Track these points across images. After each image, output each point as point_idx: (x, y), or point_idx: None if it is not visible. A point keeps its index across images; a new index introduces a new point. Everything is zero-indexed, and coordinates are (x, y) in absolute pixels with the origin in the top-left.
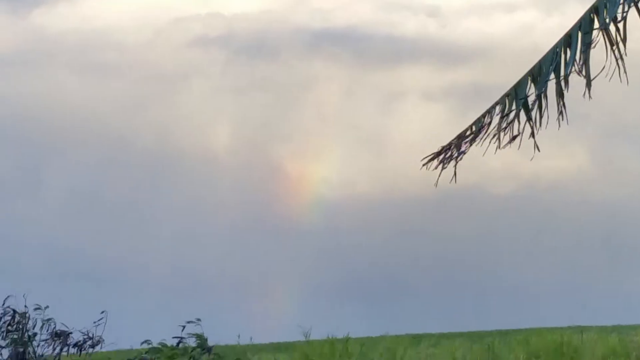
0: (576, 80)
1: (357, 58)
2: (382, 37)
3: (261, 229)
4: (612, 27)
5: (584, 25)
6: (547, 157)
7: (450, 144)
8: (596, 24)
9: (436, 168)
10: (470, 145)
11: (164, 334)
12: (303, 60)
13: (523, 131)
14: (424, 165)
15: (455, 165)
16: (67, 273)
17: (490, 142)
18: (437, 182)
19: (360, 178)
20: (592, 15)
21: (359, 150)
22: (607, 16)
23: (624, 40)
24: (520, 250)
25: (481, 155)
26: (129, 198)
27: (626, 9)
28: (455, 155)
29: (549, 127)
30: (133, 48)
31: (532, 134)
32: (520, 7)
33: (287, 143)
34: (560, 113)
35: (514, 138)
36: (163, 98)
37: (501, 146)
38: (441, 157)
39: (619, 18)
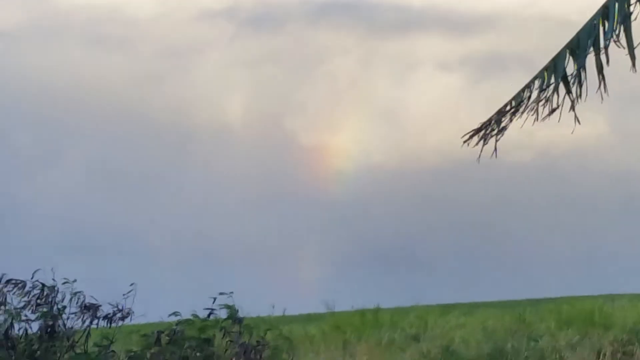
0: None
1: (367, 28)
2: (391, 6)
3: (280, 200)
4: None
5: None
6: (565, 125)
7: (490, 120)
8: None
9: (477, 144)
10: (511, 120)
11: (194, 306)
12: (310, 32)
13: (563, 104)
14: (465, 142)
15: (496, 141)
16: (92, 246)
17: (528, 116)
18: (479, 157)
19: (377, 148)
20: None
21: (374, 122)
22: None
23: None
24: (542, 219)
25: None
26: (148, 171)
27: None
28: (496, 131)
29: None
30: (142, 22)
31: (572, 107)
32: None
33: (301, 115)
34: (600, 86)
35: (553, 111)
36: (175, 72)
37: (539, 119)
38: (481, 133)
39: None
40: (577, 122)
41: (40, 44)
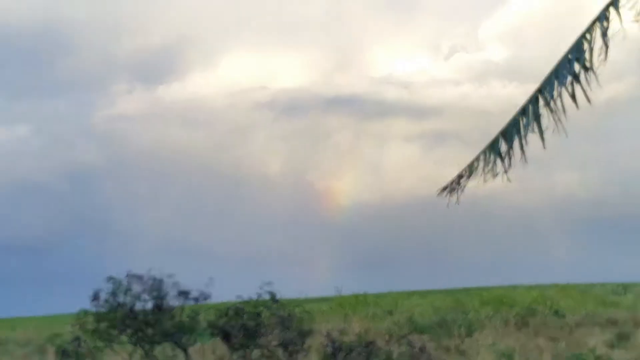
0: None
1: (359, 114)
2: (374, 100)
3: (303, 224)
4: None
5: (533, 102)
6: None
7: (452, 181)
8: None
9: (446, 196)
10: (467, 181)
11: (249, 291)
12: (323, 117)
13: (500, 171)
14: (438, 195)
15: (457, 195)
16: (183, 252)
17: (479, 180)
18: (448, 204)
19: (365, 191)
20: (537, 95)
21: (363, 174)
22: (547, 95)
23: (564, 110)
24: (470, 237)
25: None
26: (217, 205)
27: (560, 90)
28: (458, 188)
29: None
30: (217, 110)
31: (505, 172)
32: (462, 83)
33: (316, 170)
34: (521, 158)
35: (495, 176)
36: (237, 143)
37: (485, 181)
38: (448, 189)
39: (556, 96)
40: (508, 181)
41: (151, 124)
